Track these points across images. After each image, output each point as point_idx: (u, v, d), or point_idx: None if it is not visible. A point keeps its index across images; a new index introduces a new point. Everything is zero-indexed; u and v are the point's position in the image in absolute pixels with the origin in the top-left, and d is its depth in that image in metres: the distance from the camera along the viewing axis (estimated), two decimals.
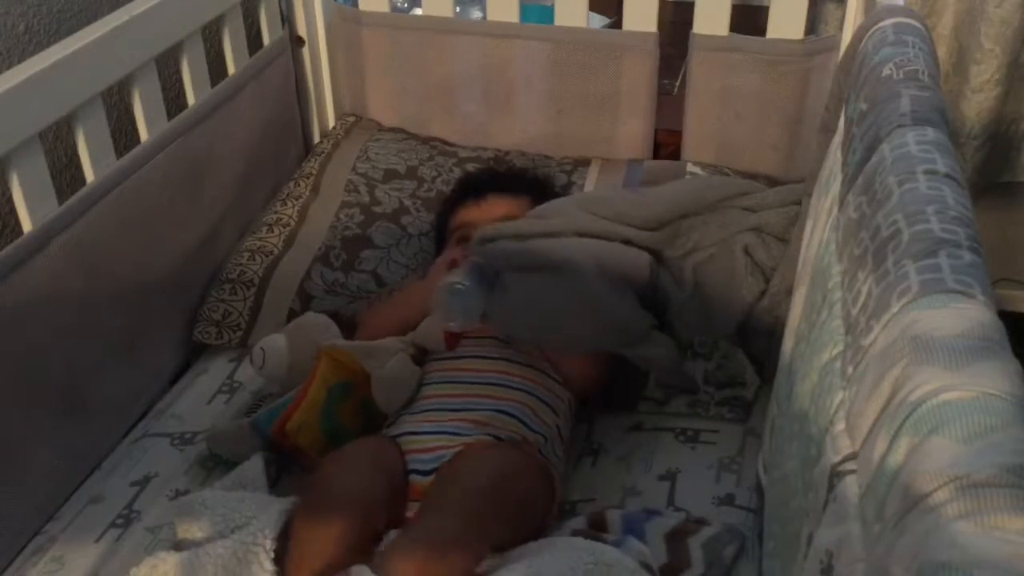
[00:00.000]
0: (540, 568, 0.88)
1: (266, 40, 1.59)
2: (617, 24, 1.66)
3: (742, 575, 0.99)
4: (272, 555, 0.92)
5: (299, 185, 1.57)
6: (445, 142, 1.72)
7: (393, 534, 0.95)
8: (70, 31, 1.18)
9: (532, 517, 1.00)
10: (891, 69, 0.93)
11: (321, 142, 1.72)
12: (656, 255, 1.25)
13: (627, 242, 1.24)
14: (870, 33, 1.04)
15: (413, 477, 1.02)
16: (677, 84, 1.80)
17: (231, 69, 1.48)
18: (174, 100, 1.41)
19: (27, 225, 1.08)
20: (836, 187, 0.94)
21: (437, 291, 1.13)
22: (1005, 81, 1.79)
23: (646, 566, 0.92)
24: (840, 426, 0.69)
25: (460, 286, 1.12)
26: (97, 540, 1.07)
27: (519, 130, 1.70)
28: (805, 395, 0.82)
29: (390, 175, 1.60)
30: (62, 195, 1.14)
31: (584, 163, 1.66)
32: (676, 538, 1.00)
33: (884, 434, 0.59)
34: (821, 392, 0.77)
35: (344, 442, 1.08)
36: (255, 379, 1.28)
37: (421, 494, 1.00)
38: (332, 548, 0.91)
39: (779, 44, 1.51)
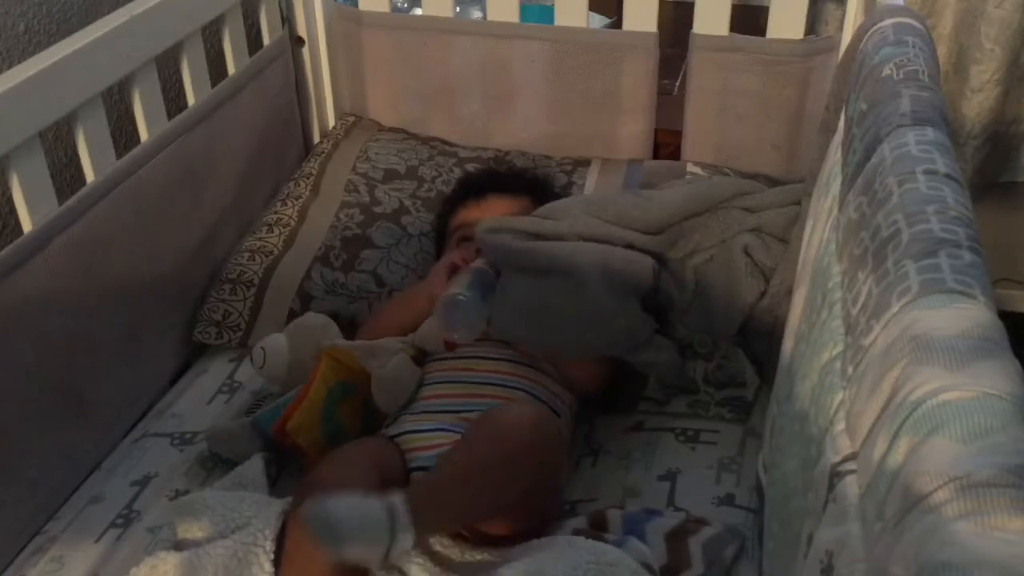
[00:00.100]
0: (542, 566, 0.88)
1: (266, 40, 1.59)
2: (617, 24, 1.66)
3: (742, 575, 0.99)
4: (272, 556, 0.92)
5: (299, 185, 1.57)
6: (445, 142, 1.72)
7: None
8: (70, 31, 1.18)
9: (548, 477, 1.01)
10: (891, 69, 0.93)
11: (321, 142, 1.72)
12: (658, 258, 1.25)
13: (630, 246, 1.23)
14: (870, 33, 1.04)
15: (417, 475, 1.02)
16: (677, 84, 1.80)
17: (231, 69, 1.48)
18: (174, 100, 1.41)
19: (27, 225, 1.08)
20: (836, 187, 0.94)
21: (439, 303, 1.12)
22: (1005, 81, 1.79)
23: (647, 566, 0.92)
24: (840, 426, 0.69)
25: (462, 297, 1.11)
26: (97, 540, 1.07)
27: (519, 130, 1.70)
28: (805, 395, 0.82)
29: (390, 175, 1.60)
30: (62, 195, 1.14)
31: (584, 163, 1.66)
32: (676, 538, 1.00)
33: (884, 434, 0.60)
34: (821, 392, 0.77)
35: (344, 442, 1.08)
36: (255, 379, 1.28)
37: None
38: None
39: (779, 44, 1.51)
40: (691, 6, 1.53)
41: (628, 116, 1.64)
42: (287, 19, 1.65)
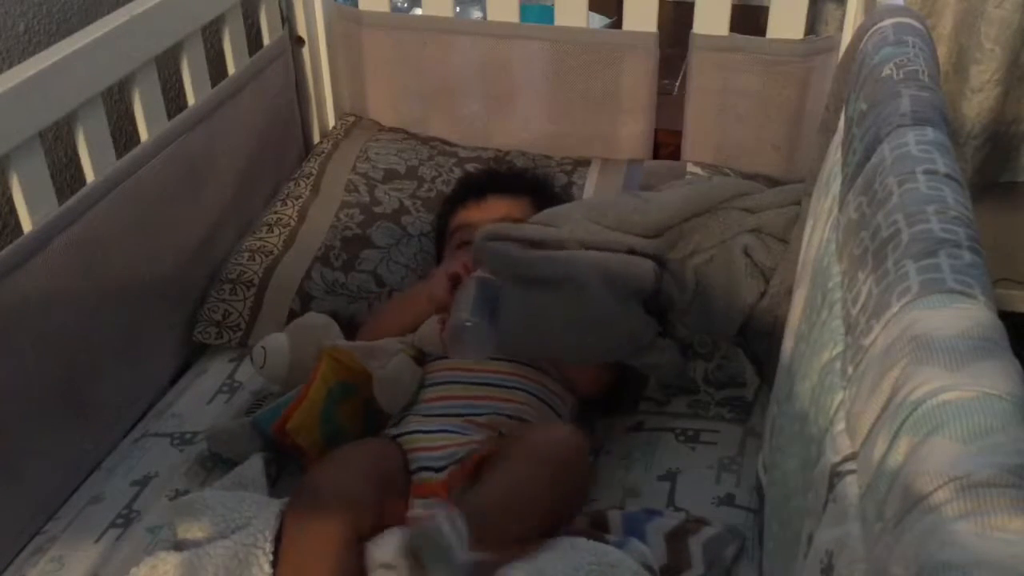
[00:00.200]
0: (543, 567, 0.88)
1: (266, 40, 1.59)
2: (617, 24, 1.66)
3: (742, 575, 0.99)
4: (271, 557, 0.92)
5: (299, 185, 1.57)
6: (445, 142, 1.72)
7: (387, 534, 0.95)
8: (70, 31, 1.18)
9: (579, 494, 1.02)
10: (891, 69, 0.93)
11: (321, 142, 1.72)
12: (659, 260, 1.24)
13: (631, 251, 1.23)
14: (870, 33, 1.04)
15: (423, 475, 1.02)
16: (677, 84, 1.80)
17: (231, 69, 1.48)
18: (174, 100, 1.41)
19: (27, 225, 1.08)
20: (836, 187, 0.94)
21: (447, 329, 1.12)
22: (1005, 81, 1.79)
23: (648, 567, 0.92)
24: (840, 426, 0.69)
25: (469, 323, 1.11)
26: (97, 540, 1.07)
27: (519, 130, 1.70)
28: (805, 395, 0.82)
29: (390, 175, 1.60)
30: (62, 195, 1.14)
31: (584, 163, 1.66)
32: (677, 538, 0.99)
33: (884, 434, 0.60)
34: (821, 392, 0.77)
35: (344, 442, 1.08)
36: (255, 379, 1.28)
37: (434, 491, 1.00)
38: (319, 549, 0.91)
39: (779, 44, 1.51)
40: (691, 6, 1.53)
41: (628, 116, 1.64)
42: (287, 19, 1.65)
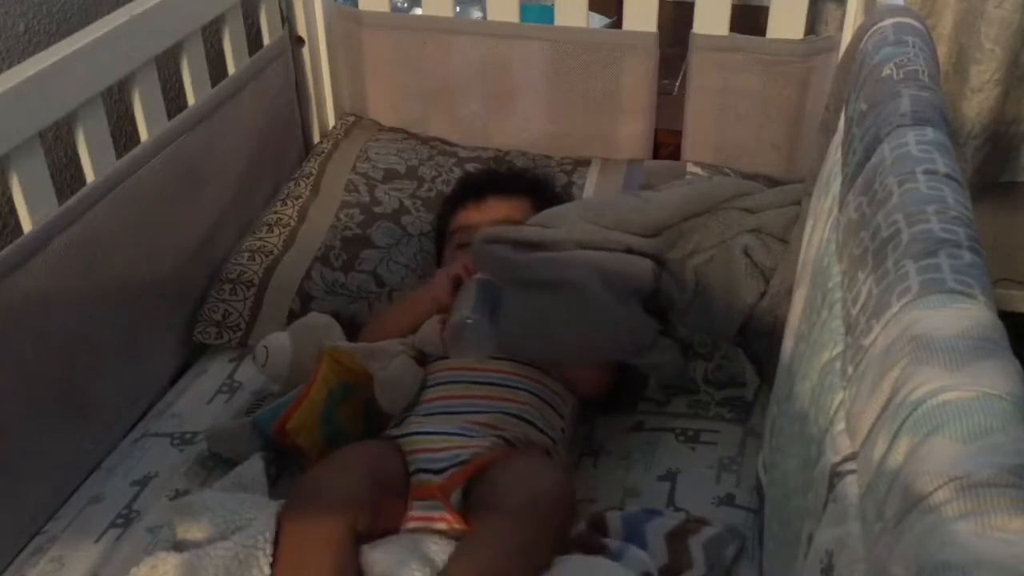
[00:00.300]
0: None
1: (266, 40, 1.59)
2: (617, 24, 1.66)
3: (742, 575, 0.99)
4: (271, 559, 0.92)
5: (299, 185, 1.57)
6: (445, 142, 1.72)
7: (383, 542, 0.95)
8: (70, 31, 1.18)
9: (566, 533, 0.99)
10: (891, 69, 0.93)
11: (321, 142, 1.72)
12: (658, 260, 1.24)
13: (629, 250, 1.23)
14: (870, 33, 1.04)
15: (422, 476, 1.02)
16: (677, 84, 1.80)
17: (231, 69, 1.48)
18: (174, 100, 1.41)
19: (27, 225, 1.08)
20: (836, 187, 0.94)
21: (448, 328, 1.12)
22: (1005, 81, 1.79)
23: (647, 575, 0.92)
24: (840, 426, 0.69)
25: (470, 321, 1.11)
26: (97, 540, 1.07)
27: (519, 130, 1.70)
28: (805, 395, 0.82)
29: (390, 175, 1.60)
30: (62, 195, 1.14)
31: (584, 163, 1.66)
32: (677, 538, 0.99)
33: (884, 434, 0.60)
34: (821, 392, 0.77)
35: (344, 443, 1.08)
36: (255, 379, 1.28)
37: (432, 493, 1.00)
38: (313, 548, 0.92)
39: (779, 44, 1.51)
40: (691, 6, 1.53)
41: (628, 116, 1.64)
42: (287, 19, 1.65)
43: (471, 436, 1.05)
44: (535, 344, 1.15)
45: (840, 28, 1.53)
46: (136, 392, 1.27)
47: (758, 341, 1.22)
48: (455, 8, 1.67)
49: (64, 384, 1.13)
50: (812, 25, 1.79)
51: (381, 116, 1.76)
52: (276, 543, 0.93)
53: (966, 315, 0.62)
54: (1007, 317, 0.65)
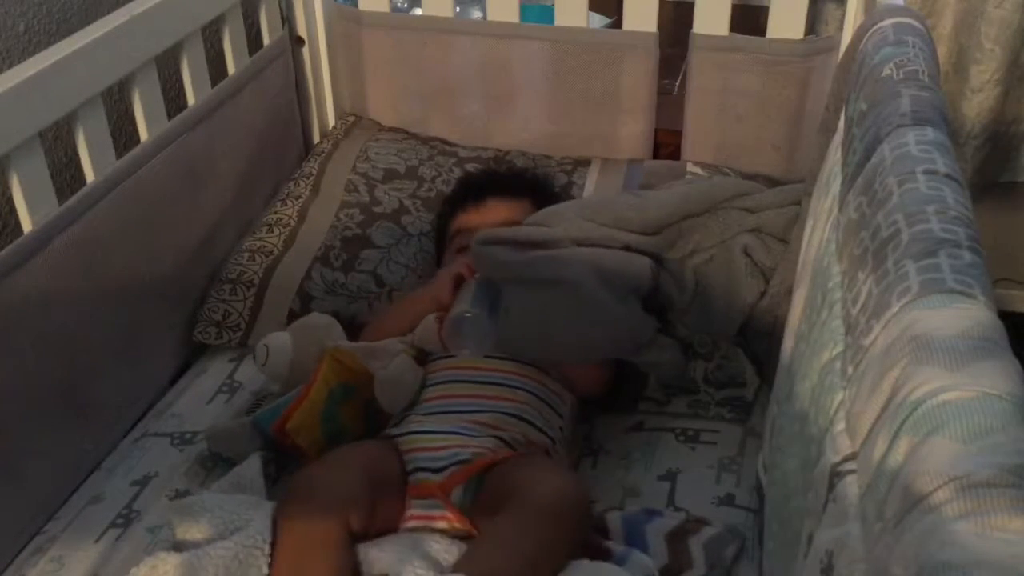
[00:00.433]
0: None
1: (266, 40, 1.59)
2: (617, 24, 1.66)
3: (742, 575, 0.99)
4: (269, 559, 0.92)
5: (299, 185, 1.57)
6: (445, 142, 1.72)
7: (383, 541, 0.95)
8: (70, 31, 1.18)
9: (580, 538, 0.98)
10: (891, 69, 0.93)
11: (321, 142, 1.72)
12: (657, 258, 1.24)
13: (627, 248, 1.23)
14: (870, 33, 1.04)
15: (421, 475, 1.02)
16: (677, 84, 1.80)
17: (231, 69, 1.48)
18: (174, 100, 1.41)
19: (27, 225, 1.08)
20: (836, 187, 0.94)
21: (447, 322, 1.12)
22: (1005, 81, 1.79)
23: None
24: (840, 426, 0.69)
25: (469, 315, 1.11)
26: (97, 540, 1.07)
27: (519, 130, 1.70)
28: (805, 395, 0.82)
29: (390, 175, 1.60)
30: (62, 195, 1.14)
31: (584, 163, 1.66)
32: (677, 539, 0.99)
33: (884, 434, 0.60)
34: (821, 392, 0.77)
35: (344, 443, 1.08)
36: (255, 379, 1.28)
37: (432, 492, 1.00)
38: (308, 546, 0.92)
39: (779, 44, 1.51)
40: (691, 6, 1.53)
41: (628, 116, 1.64)
42: (287, 19, 1.65)
43: (471, 435, 1.05)
44: (534, 343, 1.15)
45: (840, 28, 1.53)
46: (136, 392, 1.27)
47: (758, 341, 1.22)
48: (455, 8, 1.67)
49: (64, 384, 1.13)
50: (812, 25, 1.79)
51: (381, 116, 1.76)
52: (273, 543, 0.93)
53: (966, 315, 0.62)
54: (1007, 317, 0.65)
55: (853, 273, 0.77)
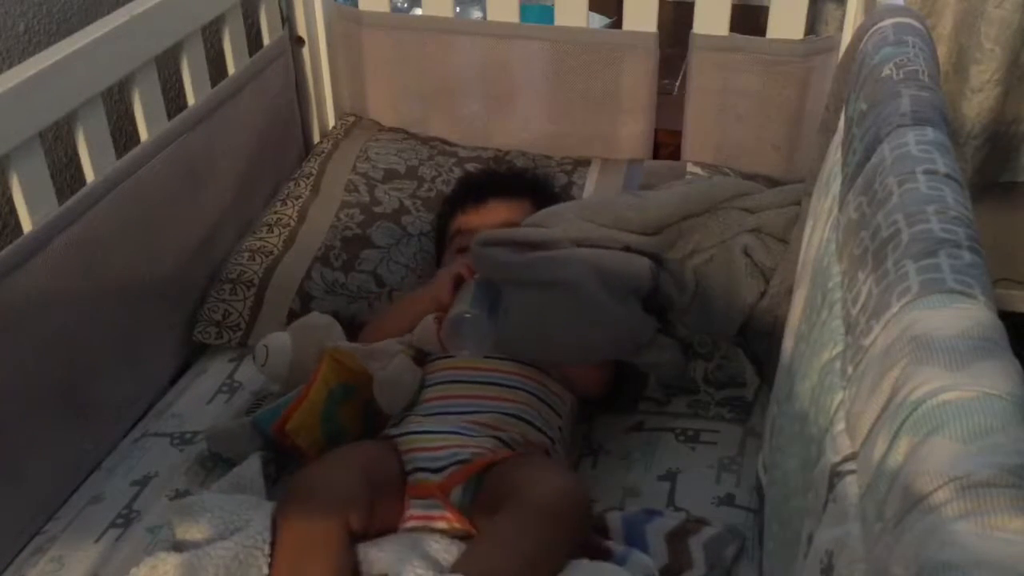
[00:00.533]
0: None
1: (266, 40, 1.59)
2: (617, 24, 1.66)
3: (742, 575, 0.99)
4: (269, 559, 0.92)
5: (299, 185, 1.57)
6: (445, 142, 1.72)
7: (383, 540, 0.95)
8: (70, 31, 1.18)
9: (580, 539, 0.98)
10: (891, 69, 0.93)
11: (321, 142, 1.72)
12: (656, 259, 1.24)
13: (627, 248, 1.23)
14: (870, 33, 1.04)
15: (420, 475, 1.02)
16: (677, 84, 1.80)
17: (231, 69, 1.48)
18: (174, 100, 1.41)
19: (27, 225, 1.08)
20: (836, 187, 0.94)
21: (446, 322, 1.13)
22: (1005, 81, 1.79)
23: None
24: (840, 426, 0.69)
25: (468, 315, 1.11)
26: (97, 540, 1.07)
27: (519, 130, 1.70)
28: (805, 395, 0.82)
29: (390, 175, 1.60)
30: (62, 195, 1.14)
31: (584, 163, 1.66)
32: (677, 539, 1.00)
33: (884, 434, 0.60)
34: (821, 392, 0.77)
35: (344, 443, 1.08)
36: (255, 379, 1.28)
37: (431, 492, 1.00)
38: (307, 546, 0.92)
39: (779, 44, 1.51)
40: (691, 6, 1.53)
41: (628, 116, 1.64)
42: (287, 19, 1.65)
43: (470, 435, 1.05)
44: (534, 344, 1.15)
45: (840, 28, 1.54)
46: (136, 392, 1.27)
47: (758, 341, 1.22)
48: (455, 8, 1.67)
49: (64, 384, 1.13)
50: (812, 25, 1.79)
51: (381, 116, 1.76)
52: (273, 543, 0.93)
53: (966, 315, 0.62)
54: (1007, 317, 0.65)
55: (853, 273, 0.77)
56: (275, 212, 1.51)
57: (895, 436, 0.58)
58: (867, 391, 0.65)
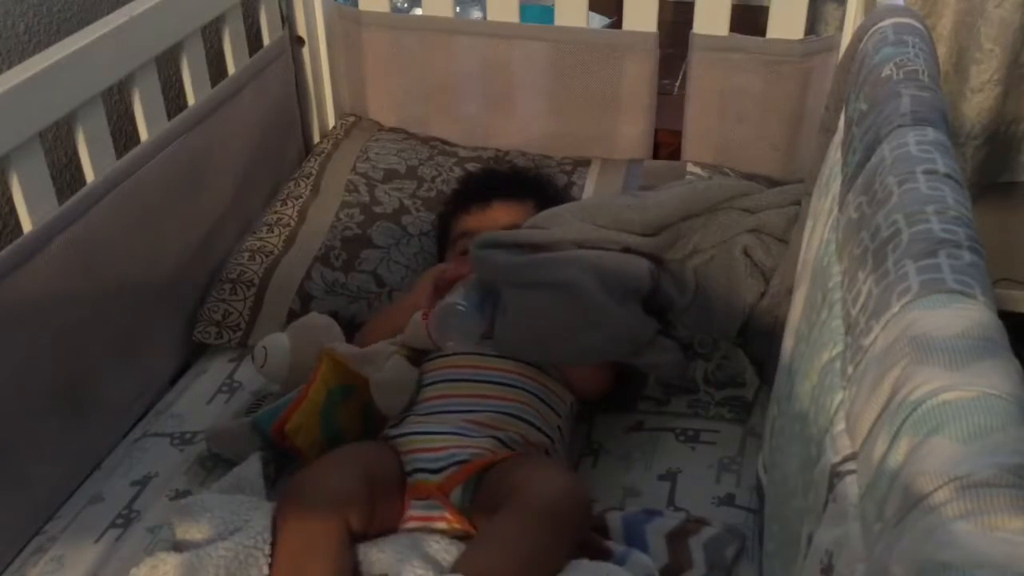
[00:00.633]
0: None
1: (266, 40, 1.59)
2: (617, 24, 1.66)
3: (742, 575, 0.99)
4: (269, 559, 0.92)
5: (299, 185, 1.57)
6: (445, 142, 1.72)
7: (383, 541, 0.95)
8: (70, 31, 1.18)
9: (579, 539, 0.97)
10: (891, 69, 0.93)
11: (321, 142, 1.72)
12: (656, 259, 1.24)
13: (627, 249, 1.23)
14: (870, 33, 1.04)
15: (419, 476, 1.02)
16: (677, 84, 1.80)
17: (231, 69, 1.48)
18: (174, 100, 1.41)
19: (27, 225, 1.08)
20: (836, 187, 0.94)
21: (436, 311, 1.13)
22: (1005, 81, 1.79)
23: None
24: (840, 426, 0.69)
25: (460, 307, 1.11)
26: (97, 540, 1.07)
27: (519, 130, 1.70)
28: (805, 395, 0.82)
29: (390, 175, 1.60)
30: (62, 195, 1.14)
31: (584, 163, 1.66)
32: (677, 538, 1.00)
33: (884, 434, 0.60)
34: (821, 392, 0.77)
35: (344, 443, 1.08)
36: (255, 379, 1.28)
37: (431, 492, 1.00)
38: (307, 546, 0.92)
39: (779, 44, 1.51)
40: (691, 6, 1.53)
41: (628, 116, 1.64)
42: (287, 19, 1.65)
43: (469, 435, 1.05)
44: (534, 345, 1.15)
45: (840, 28, 1.54)
46: (136, 392, 1.27)
47: (758, 341, 1.22)
48: (455, 8, 1.67)
49: (64, 384, 1.13)
50: (812, 25, 1.79)
51: (381, 116, 1.77)
52: (273, 543, 0.93)
53: (966, 315, 0.62)
54: (1007, 317, 0.65)
55: (853, 273, 0.77)
56: (275, 212, 1.51)
57: (895, 436, 0.58)
58: (867, 391, 0.65)
